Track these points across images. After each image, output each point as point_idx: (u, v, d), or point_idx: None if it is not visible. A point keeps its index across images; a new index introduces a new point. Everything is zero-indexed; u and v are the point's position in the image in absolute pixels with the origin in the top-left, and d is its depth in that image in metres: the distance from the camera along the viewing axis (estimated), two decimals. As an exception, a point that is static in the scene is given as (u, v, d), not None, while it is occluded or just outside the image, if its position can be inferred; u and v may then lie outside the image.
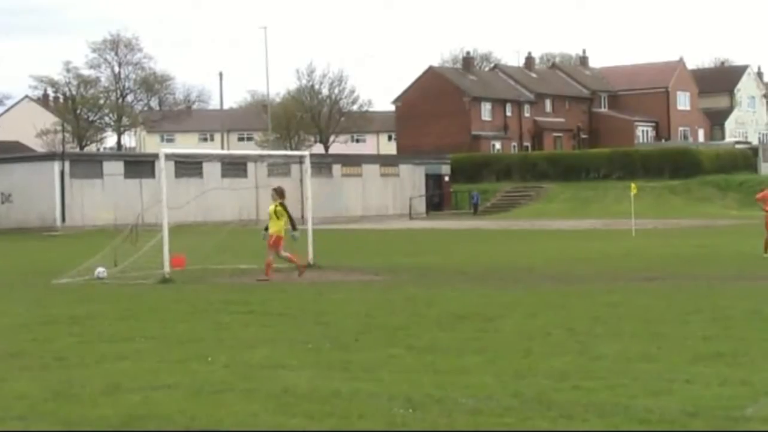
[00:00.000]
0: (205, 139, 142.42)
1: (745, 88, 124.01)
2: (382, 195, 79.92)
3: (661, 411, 9.88)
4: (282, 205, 27.52)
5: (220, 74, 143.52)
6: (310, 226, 31.69)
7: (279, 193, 28.05)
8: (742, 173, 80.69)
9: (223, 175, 68.10)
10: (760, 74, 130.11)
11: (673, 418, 9.64)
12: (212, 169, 68.02)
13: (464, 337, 15.28)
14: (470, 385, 11.35)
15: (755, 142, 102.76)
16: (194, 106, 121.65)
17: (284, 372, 12.54)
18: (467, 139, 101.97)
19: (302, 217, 36.04)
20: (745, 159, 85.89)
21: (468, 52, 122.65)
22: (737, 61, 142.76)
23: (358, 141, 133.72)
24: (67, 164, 63.25)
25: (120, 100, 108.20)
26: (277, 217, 27.45)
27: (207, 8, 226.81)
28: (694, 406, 10.03)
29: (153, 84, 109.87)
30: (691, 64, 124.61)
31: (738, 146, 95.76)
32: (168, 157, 29.46)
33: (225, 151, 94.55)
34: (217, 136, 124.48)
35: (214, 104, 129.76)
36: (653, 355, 13.15)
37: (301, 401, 10.75)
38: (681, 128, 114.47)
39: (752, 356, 12.90)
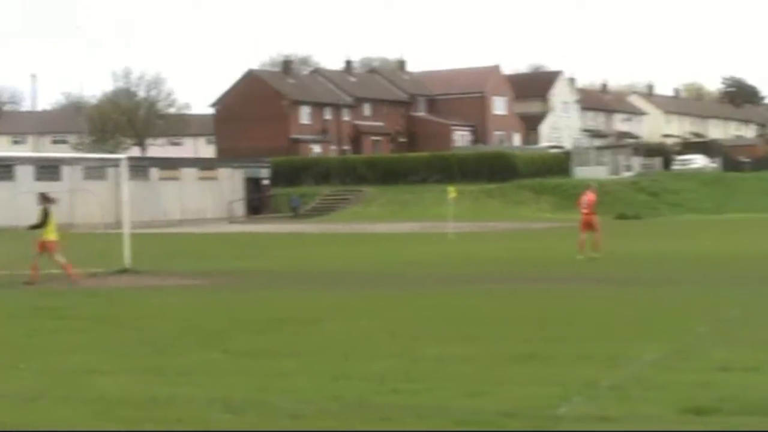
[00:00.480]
0: (18, 142, 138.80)
1: (559, 93, 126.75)
2: (201, 198, 79.17)
3: (479, 412, 9.96)
4: (44, 209, 27.07)
5: (33, 76, 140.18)
6: (126, 230, 31.13)
7: (43, 197, 27.54)
8: (556, 177, 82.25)
9: (37, 179, 66.45)
10: (572, 80, 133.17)
11: (489, 419, 9.72)
12: (25, 173, 66.36)
13: (284, 341, 15.19)
14: (289, 389, 11.27)
15: (569, 146, 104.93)
16: (5, 108, 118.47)
17: (99, 378, 12.25)
18: (286, 142, 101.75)
19: (119, 221, 35.38)
20: (559, 163, 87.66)
21: (287, 56, 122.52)
22: (551, 67, 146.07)
23: (176, 144, 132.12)
24: None
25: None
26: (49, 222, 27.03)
27: (21, 7, 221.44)
28: (511, 407, 10.13)
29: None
30: (507, 70, 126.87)
31: (552, 150, 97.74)
32: (-22, 159, 28.64)
33: (38, 154, 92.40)
34: (30, 139, 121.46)
35: (26, 106, 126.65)
36: (472, 357, 13.26)
37: (116, 407, 10.51)
38: (497, 132, 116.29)
39: (566, 356, 13.11)
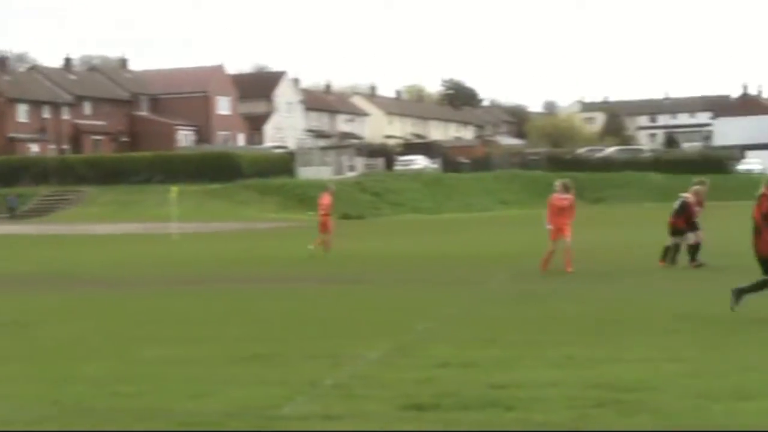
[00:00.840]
0: None
1: (283, 94, 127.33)
2: None
3: (202, 413, 9.86)
4: None
5: None
6: None
7: None
8: (280, 177, 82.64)
9: None
10: (297, 81, 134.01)
11: (212, 419, 9.63)
12: None
13: (-1, 346, 14.68)
14: (6, 395, 10.90)
15: (293, 146, 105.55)
16: None
17: None
18: (3, 141, 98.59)
19: None
20: (283, 163, 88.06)
21: (2, 52, 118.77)
22: (275, 67, 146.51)
23: None
24: None
25: None
26: None
27: None
28: (234, 407, 10.07)
29: None
30: (231, 70, 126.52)
31: (276, 151, 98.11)
32: None
33: None
34: None
35: None
36: (194, 358, 13.12)
37: None
38: (222, 132, 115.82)
39: (289, 356, 13.14)
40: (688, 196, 27.13)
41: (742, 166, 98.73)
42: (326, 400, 10.36)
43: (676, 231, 26.65)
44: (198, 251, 37.68)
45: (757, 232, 15.93)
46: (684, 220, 26.56)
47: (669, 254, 26.57)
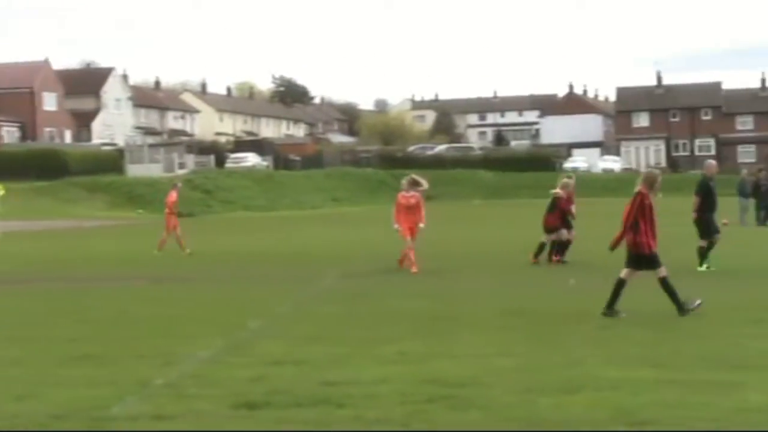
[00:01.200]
0: None
1: (112, 90, 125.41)
2: None
3: (26, 415, 9.65)
4: None
5: None
6: None
7: None
8: (109, 175, 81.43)
9: None
10: (125, 77, 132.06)
11: (38, 421, 9.44)
12: None
13: None
14: None
15: (122, 144, 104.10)
16: None
17: None
18: None
19: None
20: (112, 161, 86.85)
21: None
22: (103, 63, 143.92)
23: None
24: None
25: None
26: None
27: None
28: (61, 409, 9.87)
29: None
30: (57, 65, 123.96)
31: (105, 148, 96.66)
32: None
33: None
34: None
35: None
36: (19, 359, 12.83)
37: None
38: (48, 129, 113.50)
39: (119, 356, 12.94)
40: (558, 191, 27.34)
41: (568, 164, 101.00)
42: (157, 400, 10.24)
43: (550, 228, 26.81)
44: (23, 250, 36.83)
45: (635, 229, 15.85)
46: (558, 216, 26.78)
47: (541, 251, 26.73)
